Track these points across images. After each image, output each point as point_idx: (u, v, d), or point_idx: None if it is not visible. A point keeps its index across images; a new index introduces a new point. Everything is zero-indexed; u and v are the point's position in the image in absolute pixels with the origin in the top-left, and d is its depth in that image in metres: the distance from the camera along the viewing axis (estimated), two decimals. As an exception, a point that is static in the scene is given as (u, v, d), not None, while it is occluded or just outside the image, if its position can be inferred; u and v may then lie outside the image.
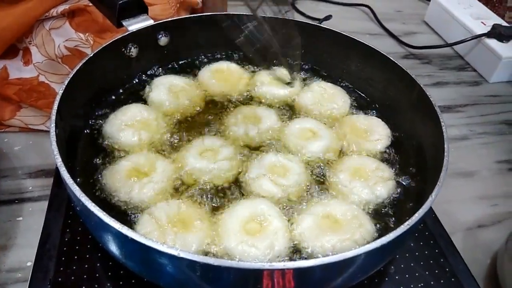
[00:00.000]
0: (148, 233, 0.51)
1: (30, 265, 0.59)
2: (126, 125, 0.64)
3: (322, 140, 0.66)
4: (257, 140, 0.66)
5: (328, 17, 1.20)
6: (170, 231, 0.51)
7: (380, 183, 0.60)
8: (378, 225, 0.57)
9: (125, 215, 0.55)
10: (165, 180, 0.58)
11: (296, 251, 0.53)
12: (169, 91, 0.70)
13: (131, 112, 0.66)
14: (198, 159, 0.60)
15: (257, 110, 0.70)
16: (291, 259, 0.52)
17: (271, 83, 0.74)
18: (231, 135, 0.66)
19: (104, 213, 0.43)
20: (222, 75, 0.75)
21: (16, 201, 0.68)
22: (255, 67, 0.79)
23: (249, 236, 0.52)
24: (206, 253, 0.51)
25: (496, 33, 1.07)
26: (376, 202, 0.59)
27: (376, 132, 0.68)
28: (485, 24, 1.11)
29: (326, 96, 0.73)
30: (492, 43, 1.06)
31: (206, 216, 0.55)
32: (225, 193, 0.59)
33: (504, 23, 1.12)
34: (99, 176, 0.59)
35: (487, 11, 1.19)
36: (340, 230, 0.54)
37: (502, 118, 0.98)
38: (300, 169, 0.61)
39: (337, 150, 0.66)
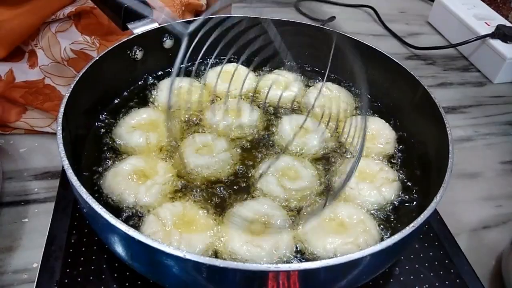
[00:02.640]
0: (154, 233, 0.51)
1: (36, 266, 0.59)
2: (134, 128, 0.64)
3: (316, 134, 0.66)
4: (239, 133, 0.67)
5: (331, 18, 1.20)
6: (175, 232, 0.52)
7: (386, 185, 0.60)
8: (382, 227, 0.57)
9: (130, 216, 0.55)
10: (168, 181, 0.58)
11: (298, 252, 0.53)
12: (175, 93, 0.71)
13: (140, 115, 0.66)
14: (198, 157, 0.61)
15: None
16: (294, 260, 0.52)
17: (276, 85, 0.75)
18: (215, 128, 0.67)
19: (111, 215, 0.43)
20: (228, 76, 0.75)
21: (22, 203, 0.68)
22: (261, 70, 0.79)
23: (254, 237, 0.52)
24: (211, 254, 0.52)
25: (500, 33, 1.06)
26: (383, 203, 0.59)
27: (383, 135, 0.68)
28: (489, 25, 1.11)
29: (331, 97, 0.74)
30: (496, 43, 1.06)
31: (211, 216, 0.55)
32: (230, 193, 0.59)
33: (508, 24, 1.11)
34: (104, 177, 0.59)
35: (491, 11, 1.19)
36: (345, 233, 0.54)
37: (507, 119, 0.98)
38: (311, 178, 0.61)
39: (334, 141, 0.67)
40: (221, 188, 0.59)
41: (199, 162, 0.60)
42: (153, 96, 0.72)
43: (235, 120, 0.68)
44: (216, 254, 0.52)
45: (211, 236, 0.53)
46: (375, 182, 0.60)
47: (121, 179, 0.57)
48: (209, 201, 0.57)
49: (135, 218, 0.55)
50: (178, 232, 0.52)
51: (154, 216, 0.53)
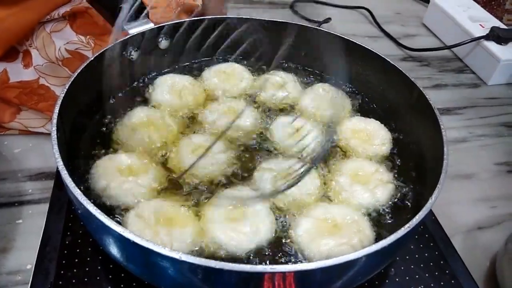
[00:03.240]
0: (140, 232, 0.51)
1: (30, 267, 0.59)
2: (133, 128, 0.64)
3: (312, 133, 0.66)
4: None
5: (327, 20, 1.20)
6: (160, 229, 0.51)
7: (380, 186, 0.60)
8: (377, 228, 0.57)
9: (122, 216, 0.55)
10: (153, 184, 0.58)
11: (292, 254, 0.53)
12: (171, 89, 0.71)
13: (137, 115, 0.66)
14: (194, 158, 0.60)
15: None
16: (287, 261, 0.52)
17: (273, 86, 0.75)
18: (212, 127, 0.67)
19: (106, 216, 0.43)
20: (224, 75, 0.75)
21: (16, 204, 0.68)
22: (257, 70, 0.79)
23: (234, 223, 0.53)
24: (196, 247, 0.52)
25: (494, 35, 1.07)
26: (377, 205, 0.59)
27: (379, 136, 0.68)
28: (483, 27, 1.12)
29: (327, 98, 0.74)
30: (491, 45, 1.07)
31: (191, 210, 0.55)
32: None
33: (503, 26, 1.12)
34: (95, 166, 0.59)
35: (485, 13, 1.20)
36: (338, 234, 0.54)
37: (501, 120, 0.98)
38: (313, 185, 0.61)
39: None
40: (216, 189, 0.59)
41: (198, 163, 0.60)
42: (149, 94, 0.71)
43: (232, 121, 0.68)
44: (202, 248, 0.52)
45: (193, 230, 0.53)
46: (369, 184, 0.60)
47: (107, 167, 0.57)
48: (192, 197, 0.57)
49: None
50: (161, 230, 0.51)
51: (135, 215, 0.53)
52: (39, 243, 0.59)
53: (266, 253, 0.53)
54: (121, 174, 0.57)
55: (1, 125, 0.76)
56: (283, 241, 0.55)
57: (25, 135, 0.78)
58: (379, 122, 0.71)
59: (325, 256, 0.51)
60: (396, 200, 0.61)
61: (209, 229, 0.53)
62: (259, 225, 0.54)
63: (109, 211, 0.55)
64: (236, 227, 0.53)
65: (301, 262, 0.52)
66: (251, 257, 0.53)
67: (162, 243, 0.48)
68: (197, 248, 0.52)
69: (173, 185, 0.59)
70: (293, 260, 0.53)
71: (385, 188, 0.60)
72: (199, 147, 0.63)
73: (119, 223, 0.51)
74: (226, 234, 0.52)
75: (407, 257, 0.63)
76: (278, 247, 0.54)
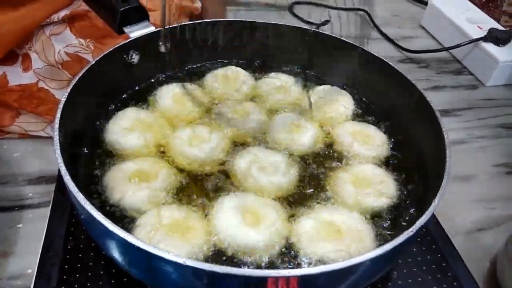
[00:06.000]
0: (144, 223, 0.52)
1: (30, 272, 0.59)
2: (128, 129, 0.64)
3: (309, 131, 0.66)
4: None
5: (325, 22, 1.20)
6: (172, 235, 0.51)
7: (383, 189, 0.60)
8: (379, 231, 0.56)
9: (127, 221, 0.54)
10: (166, 188, 0.58)
11: (289, 251, 0.53)
12: (174, 98, 0.70)
13: (129, 116, 0.66)
14: (193, 148, 0.61)
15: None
16: (283, 261, 0.52)
17: (274, 88, 0.75)
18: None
19: (109, 221, 0.43)
20: (226, 79, 0.75)
21: (16, 208, 0.67)
22: (259, 73, 0.79)
23: (251, 225, 0.53)
24: (216, 252, 0.52)
25: (492, 37, 1.08)
26: (381, 208, 0.59)
27: (375, 139, 0.68)
28: (481, 28, 1.12)
29: (329, 100, 0.73)
30: (489, 47, 1.07)
31: (202, 216, 0.55)
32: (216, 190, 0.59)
33: (500, 27, 1.13)
34: (101, 181, 0.58)
35: (483, 15, 1.20)
36: (338, 240, 0.53)
37: (499, 121, 0.99)
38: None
39: (323, 140, 0.68)
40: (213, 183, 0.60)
41: (194, 151, 0.61)
42: (153, 100, 0.71)
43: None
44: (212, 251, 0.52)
45: (207, 236, 0.53)
46: (372, 186, 0.60)
47: (119, 176, 0.57)
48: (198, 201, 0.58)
49: (131, 223, 0.54)
50: (176, 235, 0.51)
51: (156, 211, 0.53)
52: (41, 248, 0.59)
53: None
54: (133, 182, 0.57)
55: (0, 128, 0.76)
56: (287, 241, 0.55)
57: (25, 139, 0.78)
58: (373, 126, 0.71)
59: (320, 258, 0.52)
60: (397, 202, 0.60)
61: (222, 231, 0.53)
62: (272, 227, 0.53)
63: (124, 220, 0.55)
64: (255, 229, 0.53)
65: (299, 264, 0.52)
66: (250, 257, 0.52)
67: (174, 249, 0.49)
68: (202, 254, 0.52)
69: (186, 186, 0.59)
70: (290, 255, 0.53)
71: (389, 186, 0.60)
72: (192, 137, 0.63)
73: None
74: (239, 236, 0.52)
75: (410, 259, 0.63)
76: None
